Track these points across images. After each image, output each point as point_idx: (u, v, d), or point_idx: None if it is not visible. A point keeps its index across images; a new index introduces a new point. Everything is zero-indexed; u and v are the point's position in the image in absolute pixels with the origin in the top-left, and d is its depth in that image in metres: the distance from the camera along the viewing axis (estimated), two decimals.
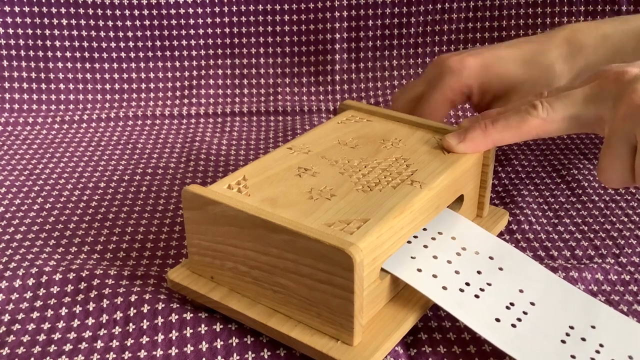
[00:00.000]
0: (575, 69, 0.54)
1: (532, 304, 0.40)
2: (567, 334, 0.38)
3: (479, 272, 0.41)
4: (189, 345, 0.40)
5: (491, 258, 0.42)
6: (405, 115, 0.50)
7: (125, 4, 0.74)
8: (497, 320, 0.38)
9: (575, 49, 0.54)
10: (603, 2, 0.77)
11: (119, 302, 0.43)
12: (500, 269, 0.41)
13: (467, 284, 0.40)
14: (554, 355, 0.37)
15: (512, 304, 0.39)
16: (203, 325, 0.41)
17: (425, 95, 0.54)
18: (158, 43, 0.76)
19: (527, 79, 0.53)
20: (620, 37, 0.55)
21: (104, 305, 0.43)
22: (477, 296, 0.39)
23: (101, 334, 0.41)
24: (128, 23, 0.75)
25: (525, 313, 0.39)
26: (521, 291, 0.40)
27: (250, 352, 0.39)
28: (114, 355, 0.39)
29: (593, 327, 0.39)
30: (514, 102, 0.52)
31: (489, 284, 0.40)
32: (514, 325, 0.38)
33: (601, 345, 0.38)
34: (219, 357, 0.39)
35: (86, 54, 0.75)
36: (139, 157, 0.65)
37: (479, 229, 0.44)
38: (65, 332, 0.41)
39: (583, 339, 0.38)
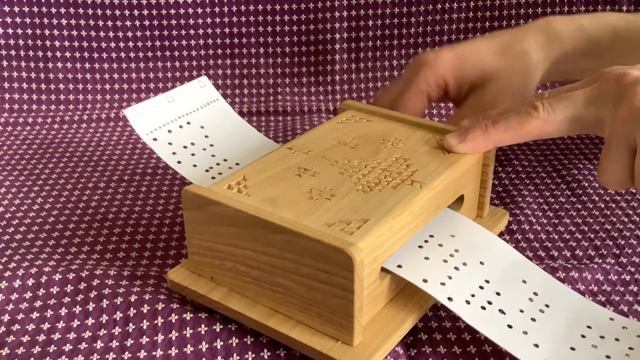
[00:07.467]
0: (551, 57, 0.55)
1: None
2: (426, 241, 0.41)
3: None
4: (188, 346, 0.40)
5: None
6: (405, 115, 0.50)
7: (125, 4, 0.74)
8: None
9: (551, 37, 0.54)
10: (603, 2, 0.77)
11: (118, 303, 0.43)
12: None
13: None
14: (407, 256, 0.39)
15: None
16: (203, 326, 0.41)
17: (402, 90, 0.55)
18: (158, 43, 0.76)
19: (503, 67, 0.53)
20: (596, 30, 0.55)
21: (104, 306, 0.43)
22: None
23: (101, 334, 0.41)
24: (128, 23, 0.75)
25: None
26: None
27: (250, 352, 0.39)
28: (114, 356, 0.39)
29: (452, 236, 0.42)
30: (490, 91, 0.53)
31: None
32: None
33: (456, 251, 0.41)
34: (219, 358, 0.39)
35: (86, 54, 0.75)
36: (139, 157, 0.65)
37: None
38: (65, 332, 0.41)
39: (440, 245, 0.41)
